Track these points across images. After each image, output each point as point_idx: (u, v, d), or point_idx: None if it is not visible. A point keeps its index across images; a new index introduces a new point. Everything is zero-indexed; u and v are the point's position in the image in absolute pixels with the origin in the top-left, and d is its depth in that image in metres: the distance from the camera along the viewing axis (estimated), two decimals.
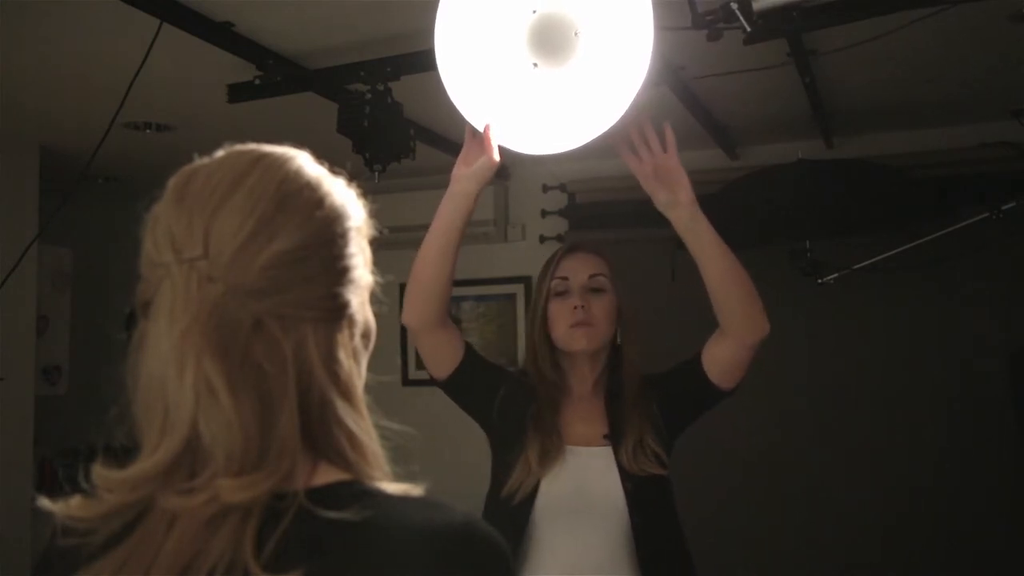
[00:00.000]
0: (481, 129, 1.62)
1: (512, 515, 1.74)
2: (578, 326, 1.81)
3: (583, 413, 1.84)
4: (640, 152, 1.71)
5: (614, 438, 1.78)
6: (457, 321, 4.09)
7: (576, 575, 1.72)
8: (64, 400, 3.77)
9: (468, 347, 1.87)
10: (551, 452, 1.76)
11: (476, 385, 1.88)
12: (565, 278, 1.86)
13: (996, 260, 3.14)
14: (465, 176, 1.69)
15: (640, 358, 1.85)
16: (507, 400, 1.85)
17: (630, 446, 1.74)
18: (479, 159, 1.66)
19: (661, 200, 1.72)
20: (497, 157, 1.65)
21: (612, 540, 1.72)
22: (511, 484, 1.75)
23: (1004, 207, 2.78)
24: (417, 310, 1.77)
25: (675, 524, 1.82)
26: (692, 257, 1.73)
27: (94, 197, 3.97)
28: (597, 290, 1.85)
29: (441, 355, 1.84)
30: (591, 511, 1.74)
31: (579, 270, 1.86)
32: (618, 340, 1.88)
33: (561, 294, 1.85)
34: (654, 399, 1.80)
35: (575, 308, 1.81)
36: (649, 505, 1.74)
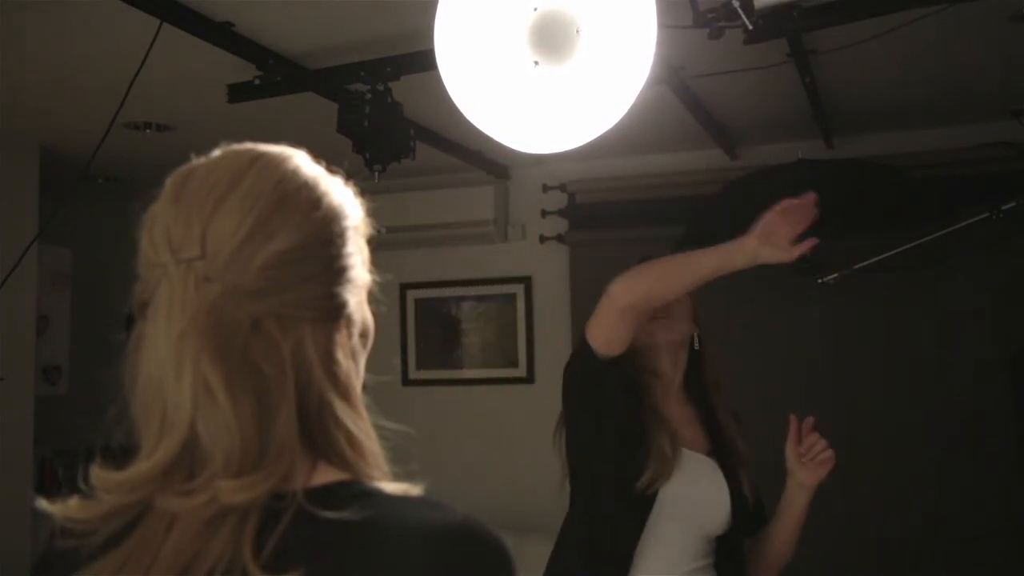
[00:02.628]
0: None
1: (635, 506, 1.79)
2: (656, 319, 1.84)
3: (679, 416, 1.90)
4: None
5: (720, 456, 1.87)
6: (457, 322, 4.09)
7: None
8: (64, 400, 3.77)
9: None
10: (675, 450, 1.81)
11: (610, 380, 1.85)
12: None
13: (996, 260, 3.14)
14: (758, 253, 1.74)
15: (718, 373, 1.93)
16: (628, 392, 1.85)
17: (745, 469, 1.86)
18: (778, 250, 1.73)
19: (796, 477, 1.86)
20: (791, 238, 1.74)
21: (703, 546, 1.82)
22: (648, 477, 1.77)
23: (1004, 207, 2.78)
24: (639, 302, 1.76)
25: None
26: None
27: (94, 197, 3.97)
28: None
29: (624, 337, 1.79)
30: (700, 517, 1.82)
31: None
32: (695, 344, 1.92)
33: None
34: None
35: None
36: (744, 523, 1.85)
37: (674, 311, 1.86)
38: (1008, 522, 3.18)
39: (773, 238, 1.72)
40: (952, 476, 3.29)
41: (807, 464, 1.84)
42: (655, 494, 1.78)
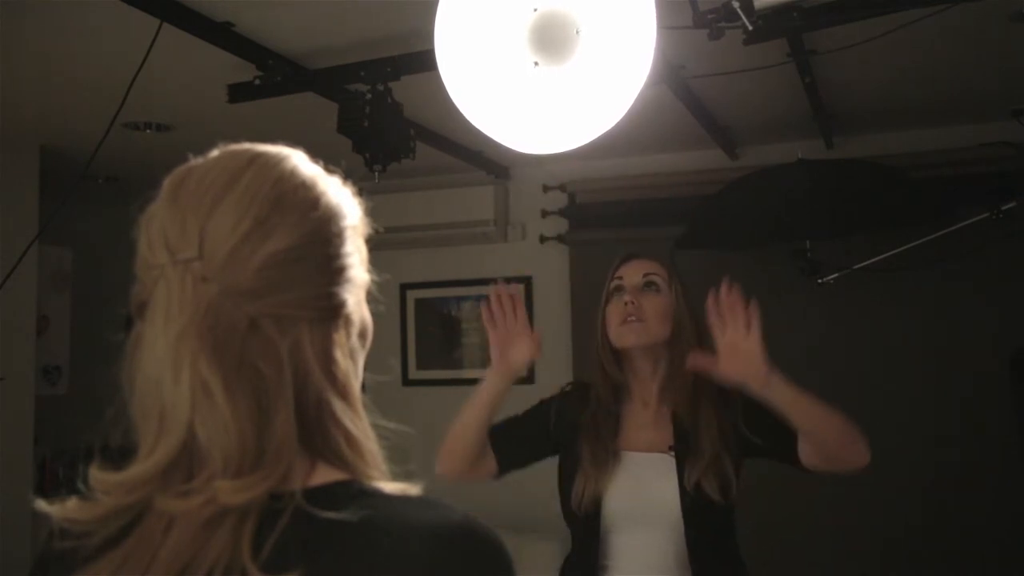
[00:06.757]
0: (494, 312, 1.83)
1: (584, 526, 1.80)
2: (627, 322, 1.84)
3: (650, 420, 1.86)
4: (727, 322, 1.65)
5: (682, 448, 1.78)
6: (457, 322, 4.08)
7: None
8: (64, 400, 3.77)
9: (495, 440, 1.90)
10: (604, 458, 1.80)
11: (524, 450, 1.95)
12: (620, 278, 1.91)
13: (996, 260, 3.14)
14: (508, 368, 1.83)
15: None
16: (560, 418, 1.91)
17: (701, 462, 1.74)
18: (518, 359, 1.81)
19: (725, 377, 1.67)
20: (530, 343, 1.82)
21: (670, 549, 1.75)
22: (576, 494, 1.80)
23: (1004, 207, 2.78)
24: (451, 467, 1.89)
25: (732, 546, 1.84)
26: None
27: (94, 197, 3.97)
28: (650, 288, 1.87)
29: (482, 472, 1.93)
30: (651, 518, 1.76)
31: (634, 271, 1.90)
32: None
33: (616, 294, 1.89)
34: (740, 418, 1.78)
35: (626, 304, 1.84)
36: (705, 522, 1.75)
37: (644, 313, 1.83)
38: (1008, 521, 3.18)
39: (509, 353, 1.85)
40: (952, 476, 3.29)
41: (733, 362, 1.63)
42: (598, 508, 1.77)
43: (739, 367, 1.63)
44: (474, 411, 1.84)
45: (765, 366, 1.61)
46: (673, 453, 1.79)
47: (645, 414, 1.87)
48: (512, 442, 1.93)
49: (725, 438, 1.76)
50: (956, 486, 3.28)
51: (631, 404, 1.89)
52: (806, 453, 1.73)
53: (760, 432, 1.76)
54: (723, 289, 1.65)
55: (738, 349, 1.63)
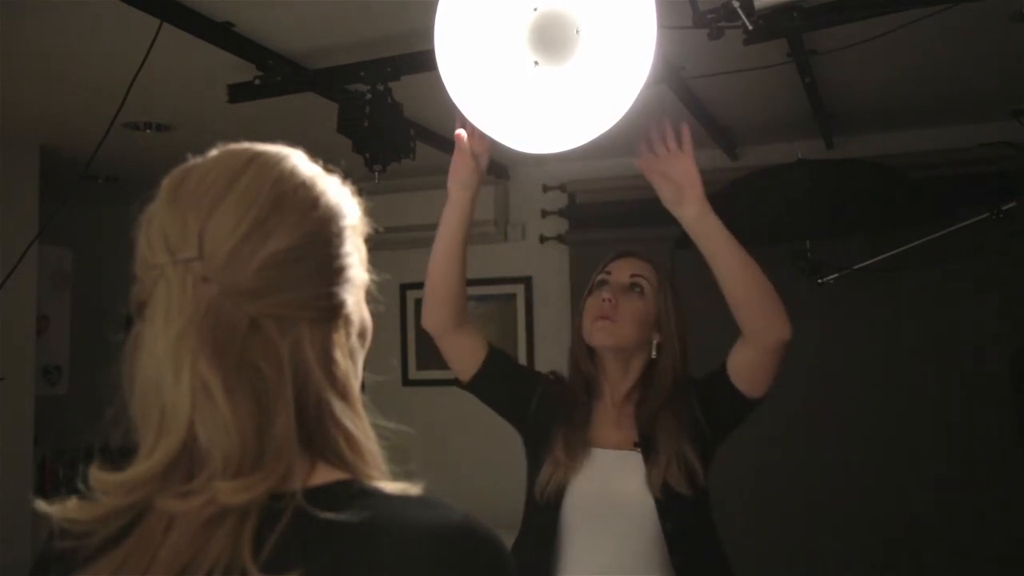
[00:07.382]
0: (462, 135, 1.76)
1: (543, 515, 1.76)
2: (600, 319, 1.80)
3: (614, 419, 1.82)
4: (655, 148, 1.74)
5: (645, 446, 1.75)
6: None
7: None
8: (64, 400, 3.77)
9: (492, 350, 1.90)
10: (576, 449, 1.76)
11: (503, 387, 1.91)
12: (608, 273, 1.88)
13: (996, 260, 3.14)
14: (456, 184, 1.81)
15: (681, 371, 1.82)
16: (543, 400, 1.87)
17: (663, 459, 1.71)
18: (462, 167, 1.78)
19: (666, 197, 1.73)
20: (473, 163, 1.78)
21: (644, 545, 1.71)
22: (541, 481, 1.76)
23: (1004, 207, 2.78)
24: (433, 314, 1.86)
25: (711, 533, 1.80)
26: (702, 257, 1.73)
27: (94, 197, 3.97)
28: (634, 290, 1.84)
29: (462, 357, 1.89)
30: (620, 515, 1.73)
31: (622, 269, 1.88)
32: (653, 354, 1.82)
33: (599, 288, 1.86)
34: (697, 407, 1.76)
35: (603, 300, 1.81)
36: (681, 513, 1.71)
37: (620, 314, 1.79)
38: (1008, 521, 3.18)
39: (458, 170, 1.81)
40: (952, 476, 3.29)
41: (667, 180, 1.71)
42: (559, 501, 1.74)
43: (675, 182, 1.71)
44: (440, 239, 1.84)
45: (700, 186, 1.69)
46: (639, 450, 1.75)
47: (612, 412, 1.84)
48: (503, 370, 1.91)
49: (684, 429, 1.73)
50: (956, 486, 3.28)
51: (601, 401, 1.86)
52: (734, 361, 1.72)
53: (713, 399, 1.76)
54: (653, 125, 1.74)
55: (673, 165, 1.73)
